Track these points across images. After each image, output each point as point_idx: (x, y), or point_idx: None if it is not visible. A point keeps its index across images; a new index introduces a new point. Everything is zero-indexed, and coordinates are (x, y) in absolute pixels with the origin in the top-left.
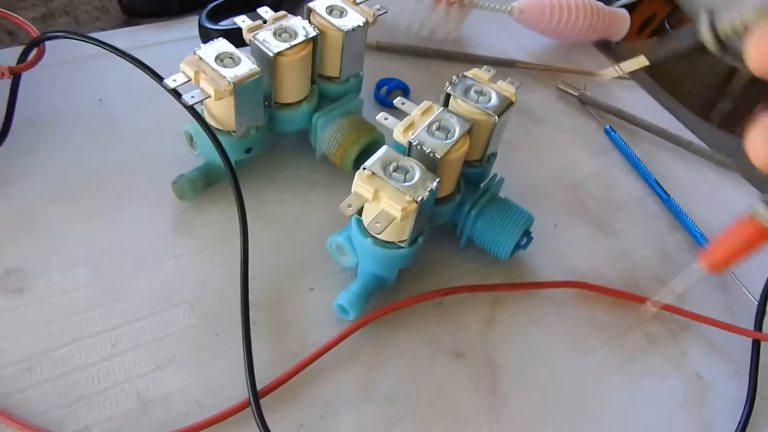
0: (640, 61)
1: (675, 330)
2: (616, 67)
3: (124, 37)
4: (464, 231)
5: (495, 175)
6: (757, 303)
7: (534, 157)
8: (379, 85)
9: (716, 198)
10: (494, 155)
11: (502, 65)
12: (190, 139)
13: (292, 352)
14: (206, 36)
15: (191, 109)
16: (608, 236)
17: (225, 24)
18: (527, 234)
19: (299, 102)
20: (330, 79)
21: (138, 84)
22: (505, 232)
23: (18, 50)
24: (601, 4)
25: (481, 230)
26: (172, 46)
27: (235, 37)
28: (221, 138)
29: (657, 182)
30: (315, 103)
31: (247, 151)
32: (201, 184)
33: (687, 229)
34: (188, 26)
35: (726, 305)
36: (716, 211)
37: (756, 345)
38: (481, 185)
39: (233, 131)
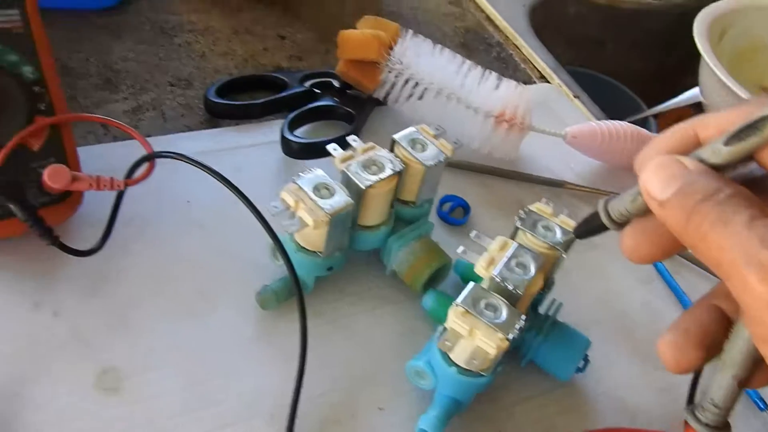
0: (570, 238)
1: None
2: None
3: (208, 139)
4: (527, 354)
5: (554, 300)
6: None
7: (584, 282)
8: (443, 202)
9: None
10: (553, 282)
11: (553, 185)
12: (273, 251)
13: None
14: (288, 147)
15: (276, 239)
16: (657, 369)
17: (303, 136)
18: (585, 357)
19: (378, 225)
20: (406, 203)
21: (223, 188)
22: (568, 356)
23: (111, 146)
24: (646, 131)
25: (545, 354)
26: (254, 150)
27: (314, 149)
28: (307, 257)
29: None
30: (392, 225)
31: (329, 269)
32: (283, 295)
33: None
34: (269, 130)
35: None
36: None
37: None
38: (541, 310)
39: (320, 252)
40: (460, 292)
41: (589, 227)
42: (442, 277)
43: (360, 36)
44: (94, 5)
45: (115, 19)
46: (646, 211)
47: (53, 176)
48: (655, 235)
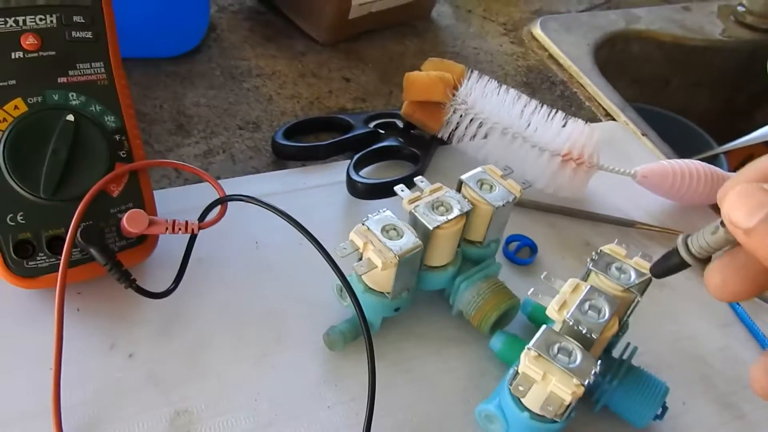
0: (646, 280)
1: None
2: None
3: (276, 180)
4: (600, 399)
5: (628, 344)
6: None
7: (658, 325)
8: (509, 241)
9: None
10: (628, 325)
11: (623, 225)
12: (340, 291)
13: None
14: (354, 187)
15: (344, 280)
16: (737, 418)
17: (368, 176)
18: (663, 404)
19: (445, 265)
20: (472, 243)
21: (290, 229)
22: (645, 403)
23: (183, 189)
24: (719, 170)
25: (619, 399)
26: (320, 191)
27: (380, 190)
28: (375, 298)
29: None
30: (458, 265)
31: (396, 309)
32: (351, 336)
33: None
34: (334, 171)
35: None
36: None
37: None
38: (615, 353)
39: (387, 293)
40: (528, 333)
41: (668, 265)
42: (510, 318)
43: (425, 78)
44: (168, 53)
45: (187, 66)
46: (727, 244)
47: (132, 221)
48: (744, 270)
